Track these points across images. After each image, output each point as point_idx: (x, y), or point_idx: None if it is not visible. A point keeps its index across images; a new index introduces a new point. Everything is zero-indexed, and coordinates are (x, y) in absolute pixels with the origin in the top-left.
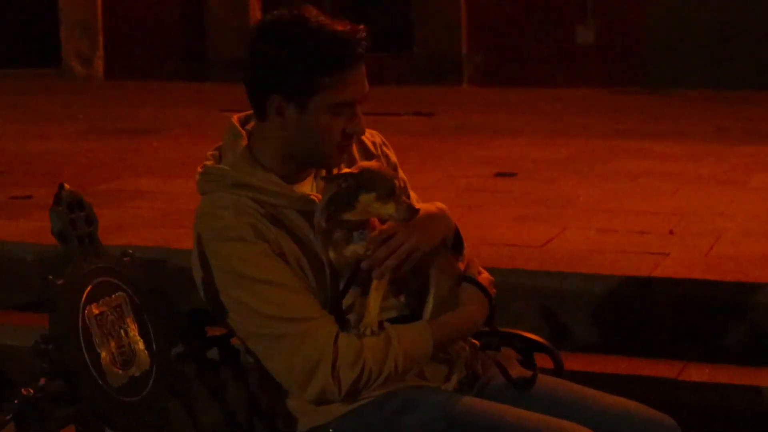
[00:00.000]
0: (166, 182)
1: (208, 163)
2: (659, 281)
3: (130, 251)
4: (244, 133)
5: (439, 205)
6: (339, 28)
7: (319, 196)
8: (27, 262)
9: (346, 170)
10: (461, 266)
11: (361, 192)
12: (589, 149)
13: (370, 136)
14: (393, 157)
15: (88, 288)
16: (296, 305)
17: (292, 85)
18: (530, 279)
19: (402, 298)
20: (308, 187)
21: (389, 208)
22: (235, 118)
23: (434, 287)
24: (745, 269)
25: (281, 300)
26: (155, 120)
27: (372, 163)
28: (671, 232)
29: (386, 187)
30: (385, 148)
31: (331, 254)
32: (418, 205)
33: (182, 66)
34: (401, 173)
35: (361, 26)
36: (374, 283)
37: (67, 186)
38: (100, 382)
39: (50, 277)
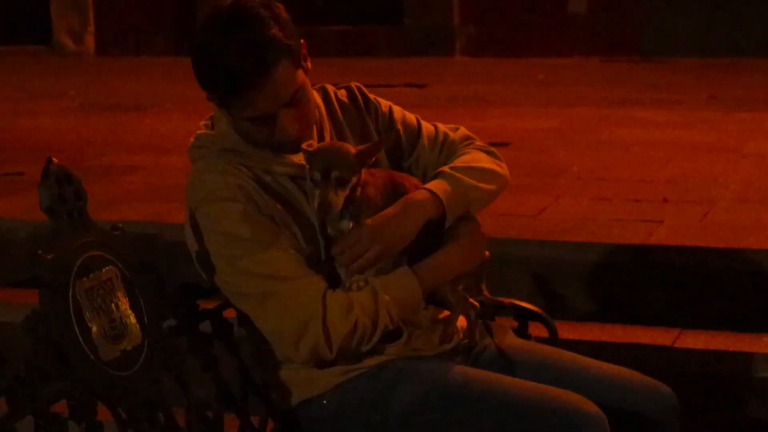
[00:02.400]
0: (158, 157)
1: (200, 132)
2: (654, 249)
3: (120, 225)
4: None
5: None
6: (239, 46)
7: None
8: (19, 238)
9: (308, 143)
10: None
11: (311, 166)
12: (582, 118)
13: (351, 97)
14: (377, 109)
15: (78, 262)
16: (284, 264)
17: (211, 98)
18: (524, 248)
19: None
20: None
21: (316, 193)
22: None
23: None
24: (740, 236)
25: (269, 259)
26: (147, 95)
27: (329, 145)
28: (665, 200)
29: (320, 169)
30: (369, 106)
31: (328, 228)
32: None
33: (174, 41)
34: (385, 111)
35: (271, 37)
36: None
37: (55, 160)
38: (92, 356)
39: (39, 252)
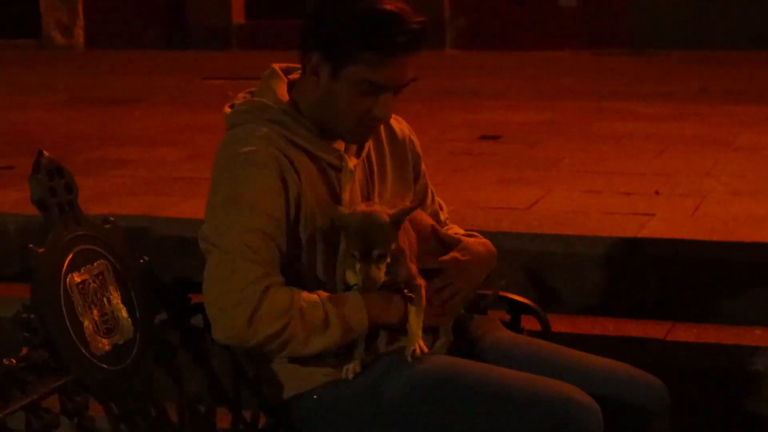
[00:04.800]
0: (148, 151)
1: (244, 99)
2: (646, 242)
3: (112, 218)
4: (285, 78)
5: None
6: (407, 12)
7: (347, 158)
8: (9, 232)
9: (356, 210)
10: None
11: (348, 239)
12: (573, 111)
13: (398, 123)
14: (417, 148)
15: (70, 256)
16: (259, 246)
17: (333, 47)
18: (516, 241)
19: None
20: (340, 146)
21: (357, 267)
22: (276, 65)
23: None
24: (731, 228)
25: (254, 230)
26: (137, 89)
27: (368, 219)
28: (657, 193)
29: (351, 249)
30: (413, 138)
31: (354, 276)
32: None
33: (163, 34)
34: (420, 156)
35: (423, 19)
36: (413, 309)
37: (46, 153)
38: (83, 350)
39: (31, 245)
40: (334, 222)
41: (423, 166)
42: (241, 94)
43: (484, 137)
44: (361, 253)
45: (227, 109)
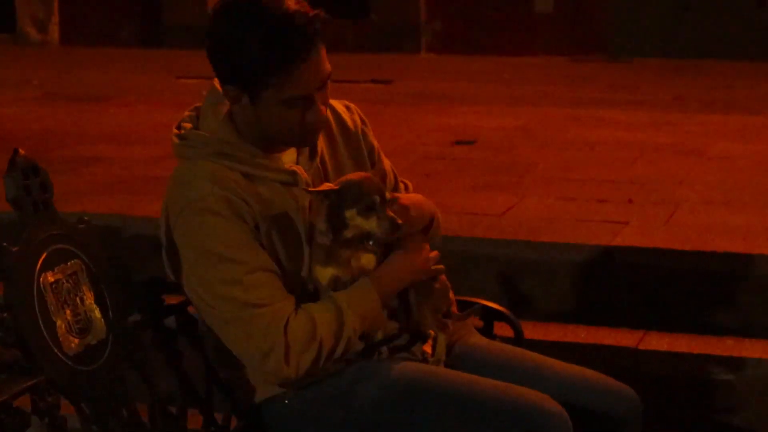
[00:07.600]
0: (122, 149)
1: (186, 125)
2: (619, 250)
3: (86, 218)
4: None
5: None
6: (289, 19)
7: (301, 170)
8: None
9: (327, 186)
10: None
11: (345, 209)
12: (548, 117)
13: (349, 113)
14: (371, 137)
15: (43, 255)
16: (252, 289)
17: (241, 79)
18: (489, 247)
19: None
20: (291, 156)
21: (371, 224)
22: (216, 81)
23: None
24: (704, 238)
25: (238, 282)
26: (111, 86)
27: (353, 176)
28: (630, 201)
29: (366, 201)
30: (365, 128)
31: (334, 270)
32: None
33: (138, 32)
34: (375, 144)
35: (315, 13)
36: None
37: (21, 152)
38: (56, 350)
39: (4, 244)
40: (332, 202)
41: (378, 151)
42: (186, 112)
43: (458, 142)
44: (381, 199)
45: (174, 138)
